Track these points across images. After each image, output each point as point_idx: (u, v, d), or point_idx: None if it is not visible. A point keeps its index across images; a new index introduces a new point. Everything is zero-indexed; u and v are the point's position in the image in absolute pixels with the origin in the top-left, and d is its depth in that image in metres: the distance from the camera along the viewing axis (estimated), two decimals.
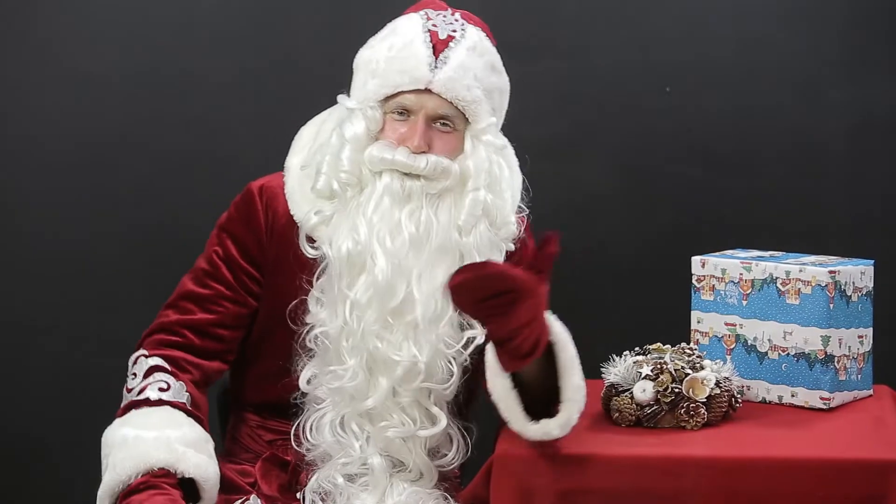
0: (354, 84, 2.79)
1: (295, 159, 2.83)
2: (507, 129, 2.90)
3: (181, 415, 2.70)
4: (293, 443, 2.75)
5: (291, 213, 2.77)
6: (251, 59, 3.90)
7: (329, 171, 2.73)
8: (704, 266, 2.97)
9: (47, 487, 3.99)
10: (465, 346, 2.72)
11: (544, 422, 2.58)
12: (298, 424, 2.74)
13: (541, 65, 3.85)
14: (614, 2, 3.87)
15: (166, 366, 2.73)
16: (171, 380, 2.71)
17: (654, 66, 3.88)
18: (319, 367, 2.72)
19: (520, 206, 2.82)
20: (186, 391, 2.73)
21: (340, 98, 2.79)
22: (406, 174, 2.69)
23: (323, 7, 3.89)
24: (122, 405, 2.74)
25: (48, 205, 3.93)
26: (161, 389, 2.71)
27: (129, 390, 2.73)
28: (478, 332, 2.71)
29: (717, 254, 3.01)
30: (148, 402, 2.70)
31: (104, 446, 2.71)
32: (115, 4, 3.89)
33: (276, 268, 2.79)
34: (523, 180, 2.86)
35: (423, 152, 2.69)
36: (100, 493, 2.66)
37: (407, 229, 2.68)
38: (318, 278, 2.72)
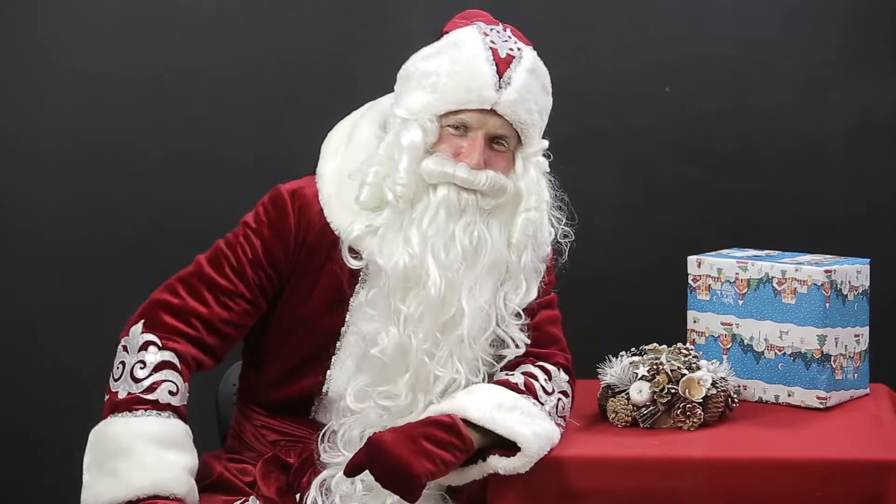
0: (404, 93, 2.73)
1: (328, 166, 2.78)
2: None
3: (185, 431, 2.67)
4: (317, 445, 2.74)
5: (329, 221, 2.73)
6: (251, 59, 3.91)
7: (375, 180, 2.69)
8: (700, 266, 2.97)
9: (46, 487, 3.99)
10: (498, 362, 2.73)
11: (494, 459, 2.60)
12: (325, 433, 2.73)
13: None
14: (614, 3, 3.87)
15: (177, 363, 2.69)
16: (179, 381, 2.67)
17: (654, 67, 3.88)
18: (369, 384, 2.69)
19: (559, 221, 2.80)
20: (187, 392, 2.71)
21: (394, 109, 2.73)
22: (463, 188, 2.68)
23: (323, 7, 3.89)
24: (123, 392, 2.66)
25: (48, 205, 3.93)
26: (171, 393, 2.66)
27: (137, 380, 2.66)
28: (510, 351, 2.71)
29: (713, 253, 3.01)
30: (157, 405, 2.65)
31: (105, 438, 2.64)
32: (116, 4, 3.90)
33: (301, 276, 2.76)
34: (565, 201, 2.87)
35: (481, 169, 2.68)
36: (100, 498, 2.62)
37: (461, 242, 2.66)
38: (361, 289, 2.71)
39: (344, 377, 2.74)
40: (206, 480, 2.78)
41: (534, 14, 3.83)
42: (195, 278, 2.75)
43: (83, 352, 3.94)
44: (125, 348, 2.70)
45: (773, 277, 2.88)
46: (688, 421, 2.74)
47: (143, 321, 2.71)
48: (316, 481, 2.72)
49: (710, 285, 2.95)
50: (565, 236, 2.78)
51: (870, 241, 3.76)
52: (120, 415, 2.65)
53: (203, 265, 2.76)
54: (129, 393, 2.65)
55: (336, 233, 2.72)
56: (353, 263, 2.68)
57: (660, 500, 2.59)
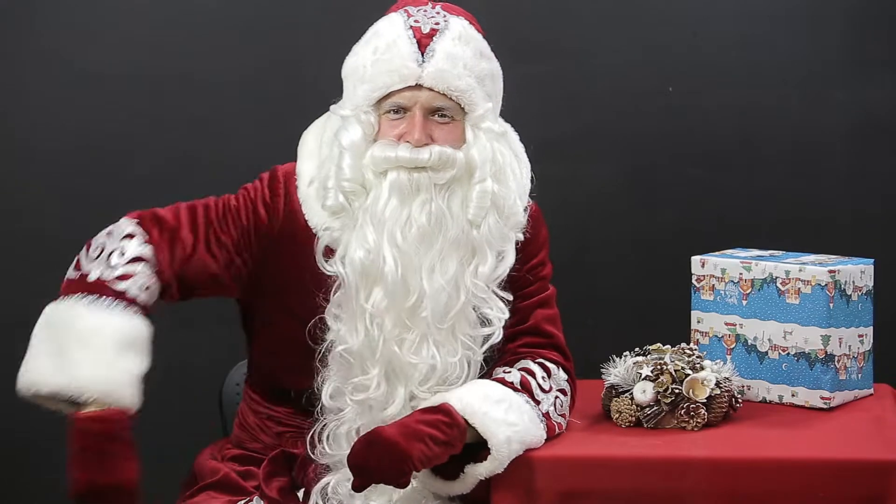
0: (345, 92, 2.76)
1: (305, 165, 2.79)
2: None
3: (146, 333, 2.64)
4: (308, 449, 2.73)
5: (307, 220, 2.74)
6: (252, 61, 3.91)
7: (334, 183, 2.70)
8: (704, 266, 2.97)
9: (45, 487, 3.98)
10: (481, 344, 2.70)
11: (470, 468, 2.59)
12: (314, 433, 2.72)
13: (543, 65, 3.86)
14: (617, 2, 3.88)
15: (152, 263, 2.68)
16: (151, 281, 2.67)
17: (656, 66, 3.89)
18: (341, 381, 2.69)
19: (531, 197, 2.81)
20: (156, 296, 2.69)
21: (333, 107, 2.77)
22: (412, 168, 2.66)
23: (324, 8, 3.89)
24: (95, 274, 2.65)
25: (48, 205, 3.93)
26: (140, 288, 2.65)
27: (111, 266, 2.65)
28: (495, 329, 2.69)
29: (716, 253, 3.01)
30: (125, 297, 2.63)
31: (68, 319, 2.62)
32: (117, 5, 3.90)
33: (280, 264, 2.75)
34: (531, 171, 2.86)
35: (426, 145, 2.66)
36: (45, 379, 2.59)
37: (417, 222, 2.65)
38: (333, 293, 2.69)
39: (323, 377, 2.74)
40: (209, 479, 2.78)
41: (537, 13, 3.84)
42: (200, 206, 2.78)
43: None
44: (109, 233, 2.72)
45: (776, 277, 2.88)
46: (691, 421, 2.74)
47: (136, 221, 2.74)
48: (316, 488, 2.71)
49: (713, 285, 2.95)
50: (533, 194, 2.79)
51: (874, 242, 3.76)
52: (87, 298, 2.63)
53: (209, 201, 2.79)
54: (100, 278, 2.64)
55: (314, 231, 2.72)
56: (327, 269, 2.68)
57: (664, 500, 2.59)
